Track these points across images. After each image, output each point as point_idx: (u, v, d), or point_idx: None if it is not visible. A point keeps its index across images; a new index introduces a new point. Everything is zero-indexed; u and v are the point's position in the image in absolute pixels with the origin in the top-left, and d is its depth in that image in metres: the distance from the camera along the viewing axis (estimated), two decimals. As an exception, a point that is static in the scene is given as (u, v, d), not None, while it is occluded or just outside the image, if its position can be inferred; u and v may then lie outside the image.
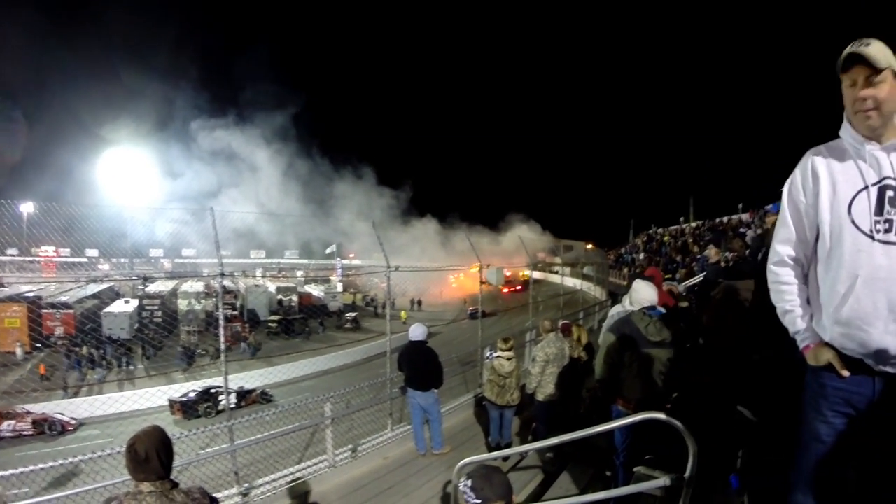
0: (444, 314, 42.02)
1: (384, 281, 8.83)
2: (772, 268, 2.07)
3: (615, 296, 20.17)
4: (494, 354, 7.67)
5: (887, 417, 1.80)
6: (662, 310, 4.70)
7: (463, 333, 26.27)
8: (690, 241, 34.56)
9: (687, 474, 2.61)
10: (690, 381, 4.94)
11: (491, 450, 7.41)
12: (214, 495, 2.52)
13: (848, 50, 1.77)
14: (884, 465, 1.90)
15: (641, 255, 41.50)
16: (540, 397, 7.14)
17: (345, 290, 51.33)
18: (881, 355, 1.74)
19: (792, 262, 2.01)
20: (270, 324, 38.55)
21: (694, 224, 45.05)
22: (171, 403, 21.93)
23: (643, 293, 4.63)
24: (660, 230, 51.83)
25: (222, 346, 6.92)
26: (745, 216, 33.91)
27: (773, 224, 4.63)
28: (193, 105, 64.47)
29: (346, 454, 7.27)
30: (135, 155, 59.88)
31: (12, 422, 19.61)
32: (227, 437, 6.43)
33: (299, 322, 39.60)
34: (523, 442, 7.77)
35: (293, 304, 44.81)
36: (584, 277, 28.59)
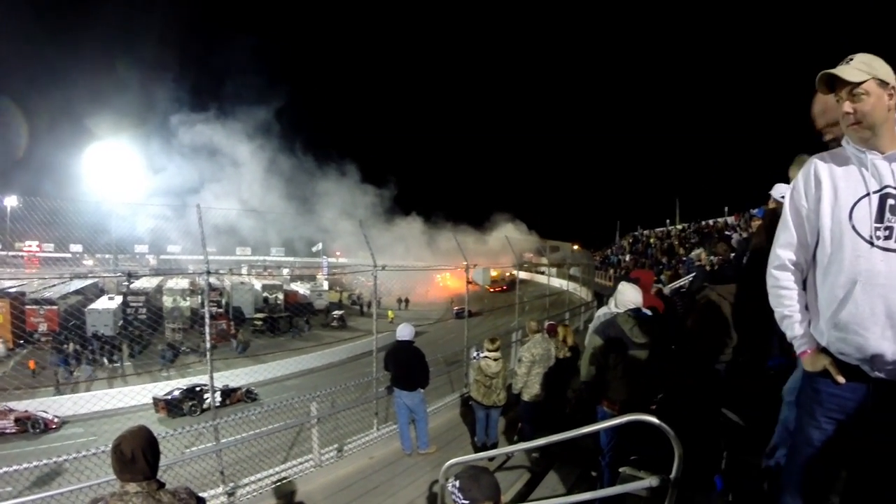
0: (430, 313, 42.00)
1: (370, 279, 8.80)
2: (772, 272, 2.08)
3: (601, 297, 20.30)
4: (481, 355, 7.68)
5: (881, 424, 1.82)
6: (648, 312, 4.74)
7: (448, 333, 26.30)
8: (676, 243, 34.88)
9: (672, 475, 2.64)
10: (675, 383, 4.99)
11: (477, 450, 7.43)
12: (201, 495, 2.50)
13: (821, 74, 1.86)
14: (875, 470, 1.93)
15: (627, 257, 41.84)
16: (526, 397, 7.17)
17: (330, 288, 51.20)
18: (877, 360, 1.76)
19: (792, 267, 2.03)
20: (256, 322, 38.31)
21: (680, 226, 45.40)
22: (156, 401, 21.73)
23: (628, 295, 4.67)
24: (646, 232, 52.21)
25: (208, 344, 6.87)
26: (730, 219, 34.27)
27: (758, 228, 4.69)
28: (174, 98, 63.92)
29: (332, 454, 7.25)
30: (115, 149, 59.08)
31: (-6, 419, 19.33)
32: (211, 436, 6.39)
33: (285, 320, 39.46)
34: (509, 442, 7.79)
35: (279, 301, 44.63)
36: (571, 278, 28.72)
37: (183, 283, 38.63)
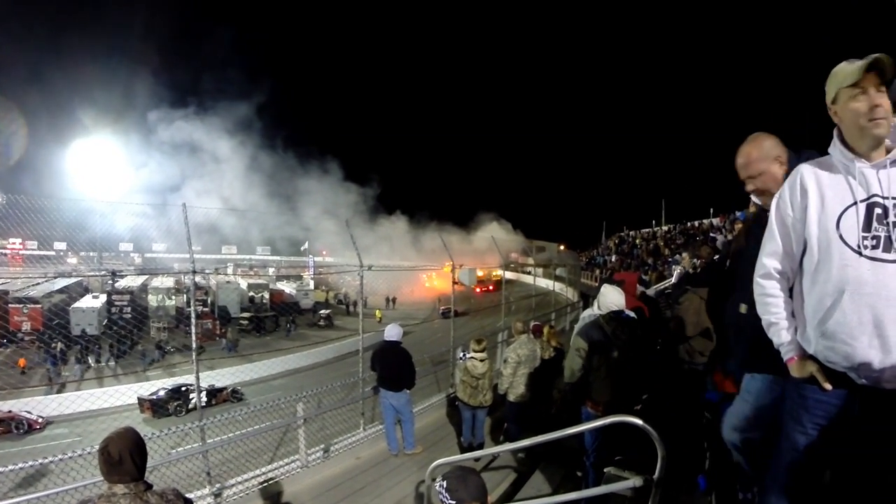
0: (416, 313, 41.95)
1: (357, 279, 8.78)
2: (758, 280, 2.09)
3: (587, 297, 20.37)
4: (468, 355, 7.71)
5: (866, 431, 1.84)
6: (631, 314, 4.79)
7: (435, 333, 26.30)
8: (662, 244, 35.15)
9: (656, 476, 2.68)
10: (658, 385, 5.05)
11: (463, 450, 7.47)
12: (188, 496, 2.51)
13: (869, 58, 1.80)
14: (859, 476, 1.96)
15: (613, 258, 42.07)
16: (512, 398, 7.21)
17: (316, 287, 50.95)
18: (864, 369, 1.77)
19: (778, 276, 2.03)
20: (241, 321, 38.05)
21: (665, 227, 45.68)
22: (141, 402, 21.46)
23: (610, 297, 4.72)
24: (632, 233, 52.51)
25: (194, 344, 6.83)
26: (716, 220, 34.51)
27: (739, 231, 4.75)
28: (154, 94, 63.17)
29: (319, 454, 7.24)
30: (94, 146, 58.27)
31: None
32: (197, 436, 6.36)
33: (270, 319, 39.23)
34: (495, 442, 7.83)
35: (265, 301, 44.37)
36: (557, 279, 28.81)
37: (168, 281, 38.31)
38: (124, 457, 2.26)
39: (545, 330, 8.30)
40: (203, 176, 61.43)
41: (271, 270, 54.43)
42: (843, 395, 1.87)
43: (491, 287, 49.70)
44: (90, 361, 27.71)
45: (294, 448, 7.25)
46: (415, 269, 39.81)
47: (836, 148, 1.92)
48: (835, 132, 1.95)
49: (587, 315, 5.13)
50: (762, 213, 2.72)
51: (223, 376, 24.34)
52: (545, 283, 29.09)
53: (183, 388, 21.64)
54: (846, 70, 1.84)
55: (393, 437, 7.44)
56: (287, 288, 49.28)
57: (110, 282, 34.94)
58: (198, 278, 6.92)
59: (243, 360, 28.36)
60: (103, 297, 33.82)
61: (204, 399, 19.64)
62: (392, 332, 7.48)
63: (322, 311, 43.38)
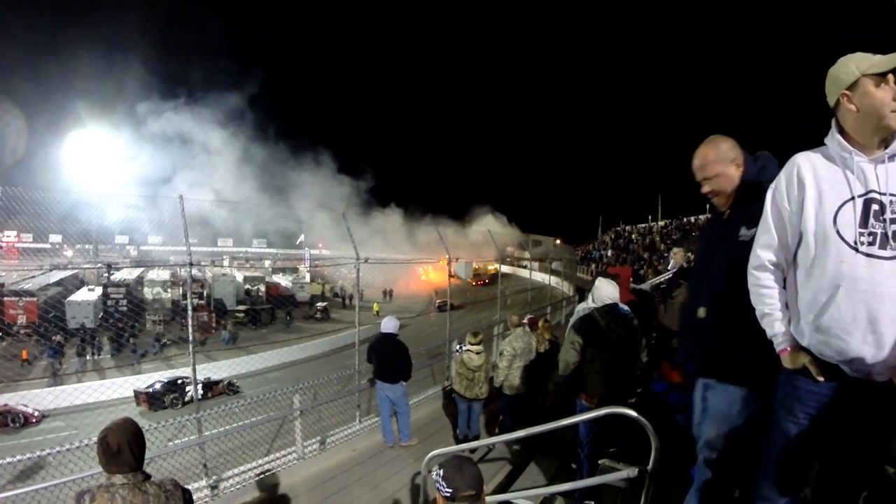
0: (412, 306, 41.92)
1: (352, 272, 8.78)
2: (752, 272, 2.09)
3: (583, 291, 20.39)
4: (464, 348, 7.74)
5: (857, 422, 1.87)
6: (625, 307, 4.82)
7: (431, 326, 26.29)
8: (658, 239, 35.22)
9: (650, 467, 2.72)
10: (652, 378, 5.08)
11: (459, 442, 7.51)
12: (185, 486, 2.53)
13: None
14: (850, 466, 1.99)
15: (609, 252, 42.16)
16: (507, 391, 7.25)
17: (312, 280, 50.88)
18: (857, 363, 1.79)
19: (773, 267, 2.04)
20: (238, 314, 37.97)
21: (662, 223, 45.77)
22: (137, 394, 21.43)
23: (605, 291, 4.75)
24: (628, 228, 52.62)
25: (190, 336, 6.85)
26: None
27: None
28: (145, 85, 62.82)
29: (315, 446, 7.27)
30: (85, 137, 58.03)
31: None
32: (193, 429, 6.38)
33: (266, 312, 39.17)
34: (490, 434, 7.86)
35: (261, 293, 44.27)
36: (553, 273, 28.82)
37: (164, 274, 38.18)
38: (123, 447, 2.28)
39: (540, 323, 8.33)
40: (194, 168, 61.24)
41: (267, 263, 54.27)
42: (834, 387, 1.88)
43: (487, 280, 49.75)
44: (90, 354, 27.61)
45: (290, 440, 7.28)
46: (411, 262, 39.75)
47: (833, 140, 1.90)
48: (833, 123, 1.92)
49: (582, 308, 5.16)
50: (714, 219, 2.74)
51: (219, 369, 24.32)
52: (541, 276, 29.15)
53: (179, 381, 21.63)
54: (873, 59, 1.81)
55: (389, 430, 7.48)
56: (283, 281, 49.18)
57: (106, 274, 34.78)
58: (194, 271, 6.88)
59: (241, 352, 28.34)
60: (99, 290, 33.70)
61: (200, 392, 19.59)
62: (389, 325, 7.49)
63: (319, 304, 43.31)
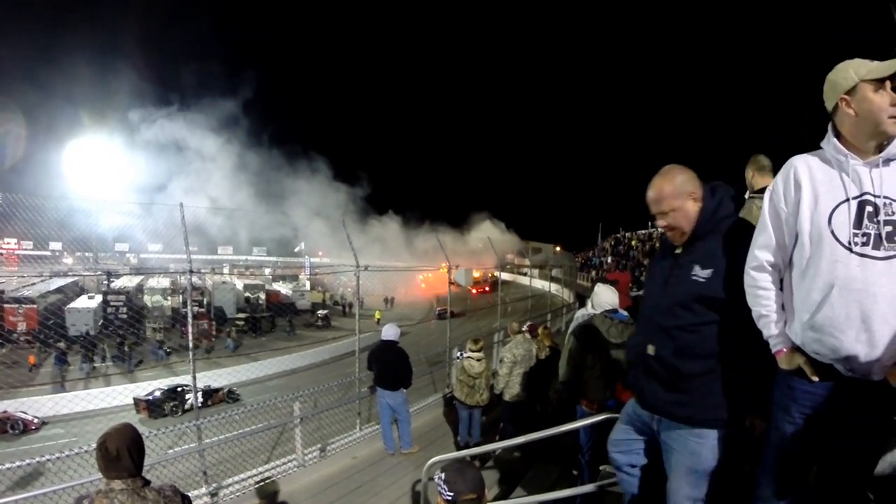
0: (412, 314, 41.90)
1: (352, 280, 8.79)
2: (750, 272, 2.11)
3: (583, 298, 20.39)
4: (465, 355, 7.74)
5: (852, 421, 1.88)
6: (625, 313, 4.82)
7: (431, 334, 26.29)
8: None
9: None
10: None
11: (459, 449, 7.48)
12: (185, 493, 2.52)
13: None
14: (846, 466, 2.00)
15: (609, 259, 42.16)
16: (507, 397, 7.24)
17: (312, 288, 50.88)
18: (851, 361, 1.81)
19: (770, 268, 2.06)
20: (238, 322, 37.92)
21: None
22: (137, 402, 21.40)
23: (604, 296, 4.76)
24: (628, 234, 52.65)
25: (190, 344, 6.87)
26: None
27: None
28: (139, 92, 62.65)
29: (315, 454, 7.26)
30: (80, 144, 58.04)
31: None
32: (193, 436, 6.37)
33: (267, 320, 39.16)
34: (491, 441, 7.85)
35: (261, 301, 44.26)
36: (553, 280, 28.84)
37: (164, 282, 38.21)
38: (122, 453, 2.28)
39: (540, 330, 8.33)
40: (190, 174, 61.19)
41: (267, 271, 54.25)
42: (830, 387, 1.90)
43: (487, 288, 49.73)
44: (98, 361, 27.60)
45: (290, 448, 7.28)
46: (411, 270, 39.80)
47: (829, 143, 1.93)
48: (830, 127, 1.95)
49: (581, 314, 5.17)
50: (665, 251, 2.72)
51: (219, 377, 24.29)
52: (541, 283, 29.17)
53: (179, 389, 21.58)
54: (871, 65, 1.84)
55: (389, 437, 7.46)
56: (283, 289, 49.19)
57: (106, 282, 34.80)
58: (194, 279, 6.87)
59: (243, 359, 28.27)
60: (99, 298, 33.70)
61: (200, 400, 19.57)
62: (389, 332, 7.49)
63: (320, 312, 43.31)
